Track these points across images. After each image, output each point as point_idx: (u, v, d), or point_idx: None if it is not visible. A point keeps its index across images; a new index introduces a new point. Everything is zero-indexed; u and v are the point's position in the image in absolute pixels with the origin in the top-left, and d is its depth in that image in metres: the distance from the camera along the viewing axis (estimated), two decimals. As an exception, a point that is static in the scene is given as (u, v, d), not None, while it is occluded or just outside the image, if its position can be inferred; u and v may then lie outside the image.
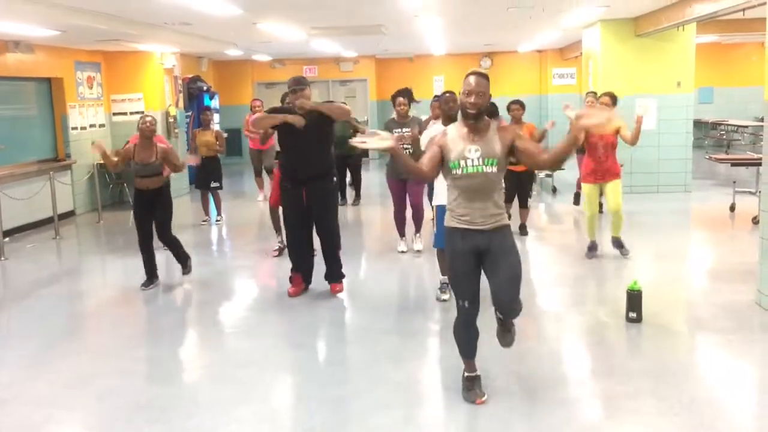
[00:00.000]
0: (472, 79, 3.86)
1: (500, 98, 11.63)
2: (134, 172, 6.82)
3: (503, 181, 4.04)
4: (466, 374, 4.22)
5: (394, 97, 7.74)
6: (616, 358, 4.95)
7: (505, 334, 4.25)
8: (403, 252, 7.94)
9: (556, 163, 3.91)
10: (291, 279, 6.51)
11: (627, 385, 4.38)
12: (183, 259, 7.14)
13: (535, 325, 5.60)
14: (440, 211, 5.66)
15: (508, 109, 8.63)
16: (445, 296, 6.14)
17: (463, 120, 3.93)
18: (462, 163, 3.87)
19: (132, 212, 7.06)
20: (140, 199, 6.82)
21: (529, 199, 8.83)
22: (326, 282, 6.54)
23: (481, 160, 3.85)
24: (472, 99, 3.82)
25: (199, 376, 4.91)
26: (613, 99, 7.38)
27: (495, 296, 4.00)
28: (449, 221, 4.03)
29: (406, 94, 7.71)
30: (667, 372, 4.54)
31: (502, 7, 9.35)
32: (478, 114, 3.85)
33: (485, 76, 3.91)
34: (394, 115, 7.79)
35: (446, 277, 6.15)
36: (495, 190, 3.93)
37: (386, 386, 4.45)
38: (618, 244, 7.41)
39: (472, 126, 3.90)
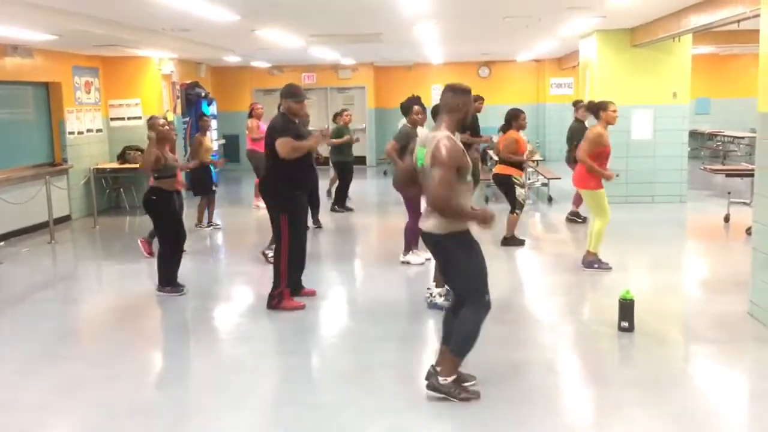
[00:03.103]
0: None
1: (498, 107, 11.66)
2: (165, 173, 6.69)
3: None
4: (460, 373, 4.27)
5: (409, 107, 7.32)
6: (606, 366, 4.97)
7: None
8: (408, 263, 7.69)
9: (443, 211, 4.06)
10: (283, 295, 6.21)
11: (617, 394, 4.40)
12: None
13: (527, 333, 5.61)
14: None
15: (517, 117, 8.46)
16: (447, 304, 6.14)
17: (454, 130, 4.16)
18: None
19: (160, 219, 6.76)
20: (172, 200, 6.75)
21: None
22: (307, 288, 6.60)
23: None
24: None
25: (190, 382, 4.92)
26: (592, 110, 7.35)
27: None
28: (460, 226, 4.10)
29: (420, 102, 7.37)
30: (658, 381, 4.55)
31: (499, 16, 9.40)
32: None
33: None
34: (406, 122, 7.45)
35: (445, 288, 6.10)
36: None
37: (378, 393, 4.45)
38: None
39: None
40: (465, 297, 4.21)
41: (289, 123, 6.08)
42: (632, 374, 4.79)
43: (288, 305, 6.23)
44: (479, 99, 10.86)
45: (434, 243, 4.21)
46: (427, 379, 4.29)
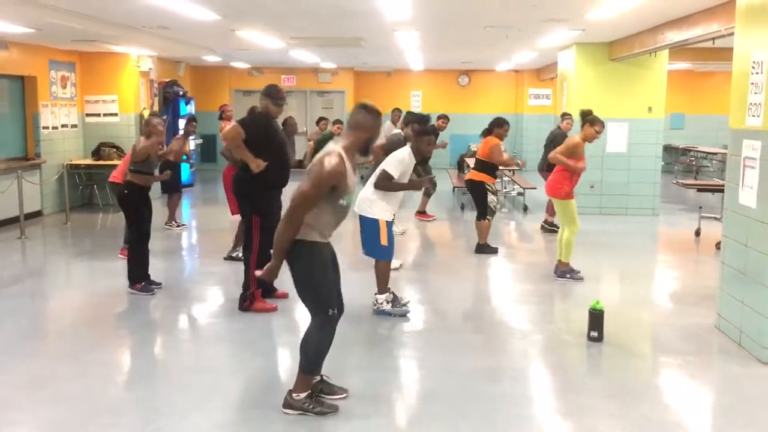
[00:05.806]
0: None
1: (477, 115, 11.75)
2: (149, 169, 6.77)
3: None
4: (309, 391, 4.18)
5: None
6: (574, 376, 5.00)
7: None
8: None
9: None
10: (254, 297, 6.20)
11: (584, 403, 4.43)
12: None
13: (496, 341, 5.64)
14: (376, 225, 5.88)
15: (501, 126, 8.42)
16: (407, 308, 6.24)
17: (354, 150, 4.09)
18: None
19: (131, 212, 6.81)
20: (145, 196, 6.81)
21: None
22: (280, 290, 6.45)
23: None
24: None
25: (158, 381, 4.86)
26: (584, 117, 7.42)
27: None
28: (314, 236, 3.99)
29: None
30: (624, 391, 4.60)
31: (479, 25, 9.46)
32: None
33: None
34: (394, 131, 7.26)
35: (389, 294, 6.20)
36: None
37: (351, 396, 4.44)
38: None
39: None
40: (309, 309, 4.14)
41: (268, 126, 6.11)
42: (600, 384, 4.84)
43: (259, 307, 6.20)
44: (443, 118, 10.92)
45: None
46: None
